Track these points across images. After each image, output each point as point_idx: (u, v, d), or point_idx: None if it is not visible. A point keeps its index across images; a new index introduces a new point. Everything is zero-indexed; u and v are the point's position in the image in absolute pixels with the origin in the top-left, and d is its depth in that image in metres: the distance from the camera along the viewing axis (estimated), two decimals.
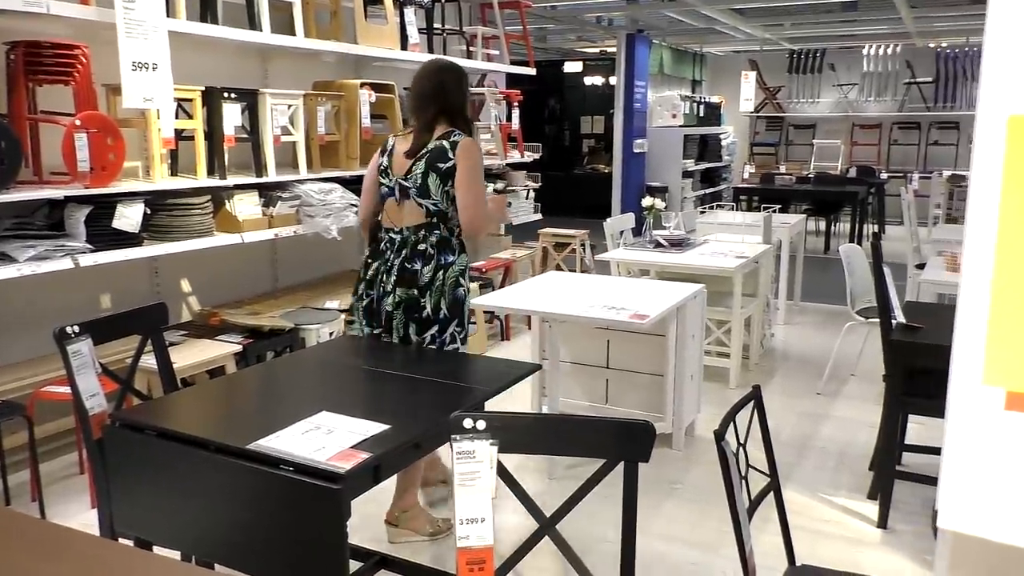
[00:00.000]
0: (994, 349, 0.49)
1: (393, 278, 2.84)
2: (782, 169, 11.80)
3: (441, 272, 2.83)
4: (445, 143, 2.82)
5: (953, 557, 0.64)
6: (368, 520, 3.11)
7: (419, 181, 2.82)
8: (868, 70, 12.81)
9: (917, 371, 3.12)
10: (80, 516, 3.14)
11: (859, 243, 8.43)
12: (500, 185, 3.41)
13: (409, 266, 2.83)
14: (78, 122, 3.15)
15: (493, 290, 5.14)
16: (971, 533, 0.53)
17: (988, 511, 0.52)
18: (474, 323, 4.40)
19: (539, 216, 6.63)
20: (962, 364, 0.51)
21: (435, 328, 2.84)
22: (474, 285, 5.25)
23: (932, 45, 12.13)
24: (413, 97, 2.96)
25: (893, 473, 3.15)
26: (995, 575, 0.63)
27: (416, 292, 2.81)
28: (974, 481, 0.52)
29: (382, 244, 2.93)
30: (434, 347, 2.84)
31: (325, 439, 1.84)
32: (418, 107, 2.92)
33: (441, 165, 2.80)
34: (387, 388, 2.29)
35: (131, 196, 3.46)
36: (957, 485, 0.52)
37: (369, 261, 2.96)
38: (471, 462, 1.52)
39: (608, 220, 5.33)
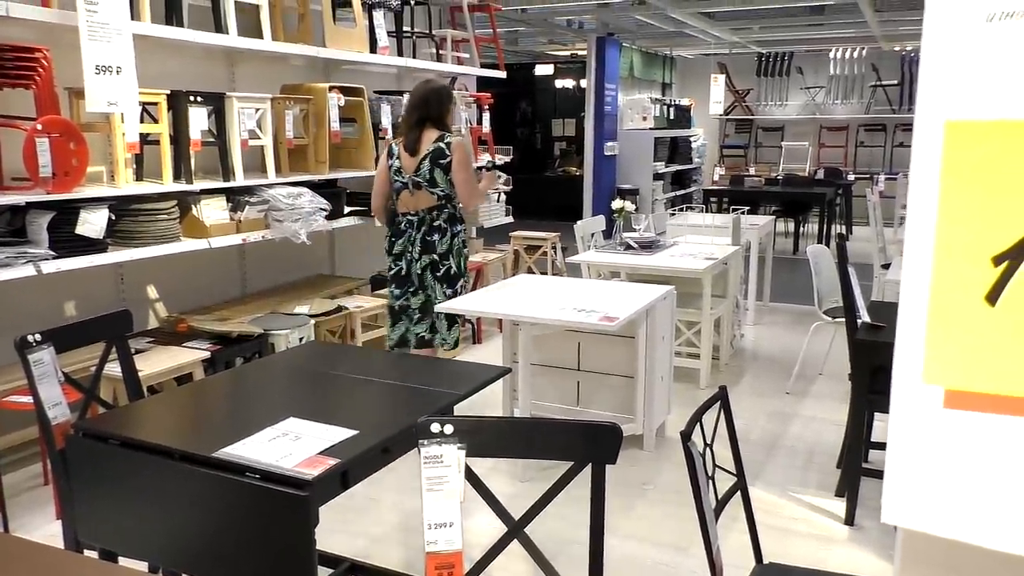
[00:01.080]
0: (933, 349, 0.50)
1: (418, 248, 3.83)
2: (751, 171, 11.91)
3: (455, 239, 3.86)
4: (442, 144, 3.78)
5: (905, 550, 0.66)
6: (337, 526, 3.09)
7: (428, 176, 3.78)
8: (835, 73, 12.99)
9: (882, 370, 3.16)
10: (45, 528, 3.09)
11: (827, 244, 8.54)
12: (488, 164, 4.35)
13: (429, 239, 3.83)
14: (39, 126, 3.10)
15: (464, 293, 5.13)
16: (914, 528, 0.54)
17: (929, 506, 0.53)
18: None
19: (510, 219, 6.64)
20: (903, 364, 0.52)
21: (459, 282, 3.88)
22: None
23: (897, 48, 12.33)
24: (406, 106, 3.96)
25: (860, 471, 3.19)
26: (947, 566, 0.64)
27: (438, 257, 3.83)
28: (916, 477, 0.53)
29: (402, 225, 3.87)
30: (451, 293, 3.85)
31: (292, 445, 1.83)
32: (407, 113, 3.92)
33: (442, 161, 3.77)
34: (355, 393, 2.28)
35: (95, 202, 3.41)
36: (900, 481, 0.53)
37: (393, 240, 3.92)
38: (439, 466, 1.51)
39: (579, 223, 5.34)
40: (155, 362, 3.52)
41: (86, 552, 2.02)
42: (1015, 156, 0.48)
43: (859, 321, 3.24)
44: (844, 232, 10.64)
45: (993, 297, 0.48)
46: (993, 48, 0.47)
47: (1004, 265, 0.48)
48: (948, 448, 0.52)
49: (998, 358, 0.49)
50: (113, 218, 3.46)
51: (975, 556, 0.58)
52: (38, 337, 2.18)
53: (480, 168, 4.29)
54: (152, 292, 4.32)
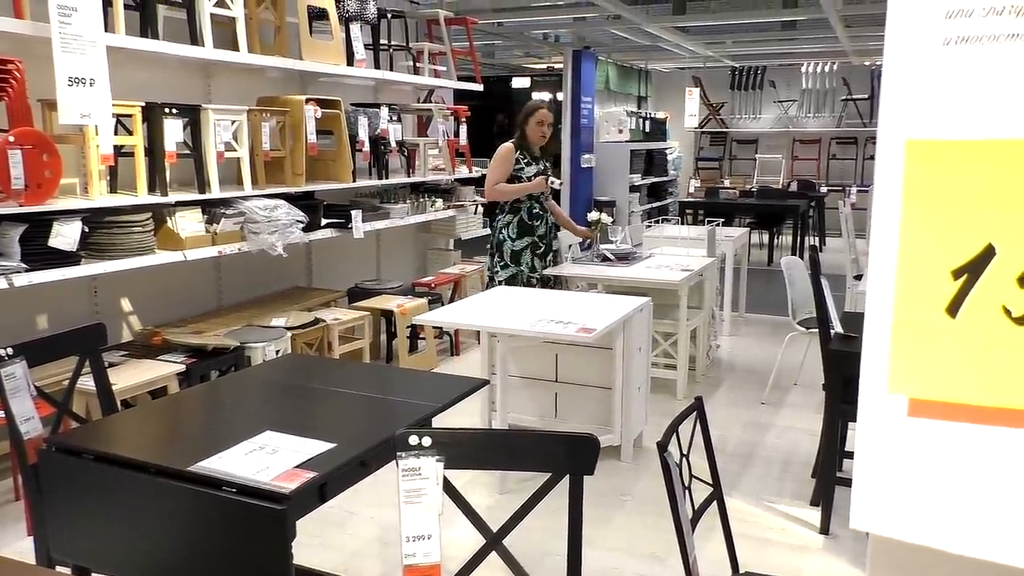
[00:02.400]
0: (897, 360, 0.52)
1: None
2: (726, 183, 12.04)
3: (499, 225, 4.83)
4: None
5: (875, 556, 0.67)
6: (314, 540, 3.07)
7: None
8: (807, 87, 13.18)
9: (854, 380, 3.20)
10: (15, 544, 3.04)
11: (800, 256, 8.63)
12: (541, 167, 4.87)
13: (493, 225, 4.92)
14: (11, 138, 3.07)
15: (442, 305, 5.14)
16: (881, 533, 0.56)
17: (895, 512, 0.55)
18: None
19: (488, 231, 6.65)
20: (869, 374, 0.53)
21: (490, 260, 4.89)
22: (422, 301, 5.25)
23: (867, 63, 12.53)
24: None
25: (834, 480, 3.22)
26: (915, 572, 0.66)
27: (495, 239, 4.84)
28: (882, 484, 0.55)
29: None
30: (497, 262, 4.80)
31: (269, 459, 1.82)
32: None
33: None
34: (332, 406, 2.28)
35: (68, 214, 3.38)
36: (867, 488, 0.55)
37: None
38: (417, 479, 1.52)
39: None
40: (129, 376, 3.48)
41: (58, 569, 2.00)
42: (972, 174, 0.50)
43: (832, 332, 3.28)
44: (817, 244, 10.77)
45: (953, 309, 0.50)
46: (950, 71, 0.49)
47: (963, 278, 0.50)
48: (913, 455, 0.54)
49: (959, 368, 0.51)
50: (87, 230, 3.43)
51: (942, 561, 0.60)
52: (10, 351, 2.15)
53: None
54: (126, 305, 4.28)
